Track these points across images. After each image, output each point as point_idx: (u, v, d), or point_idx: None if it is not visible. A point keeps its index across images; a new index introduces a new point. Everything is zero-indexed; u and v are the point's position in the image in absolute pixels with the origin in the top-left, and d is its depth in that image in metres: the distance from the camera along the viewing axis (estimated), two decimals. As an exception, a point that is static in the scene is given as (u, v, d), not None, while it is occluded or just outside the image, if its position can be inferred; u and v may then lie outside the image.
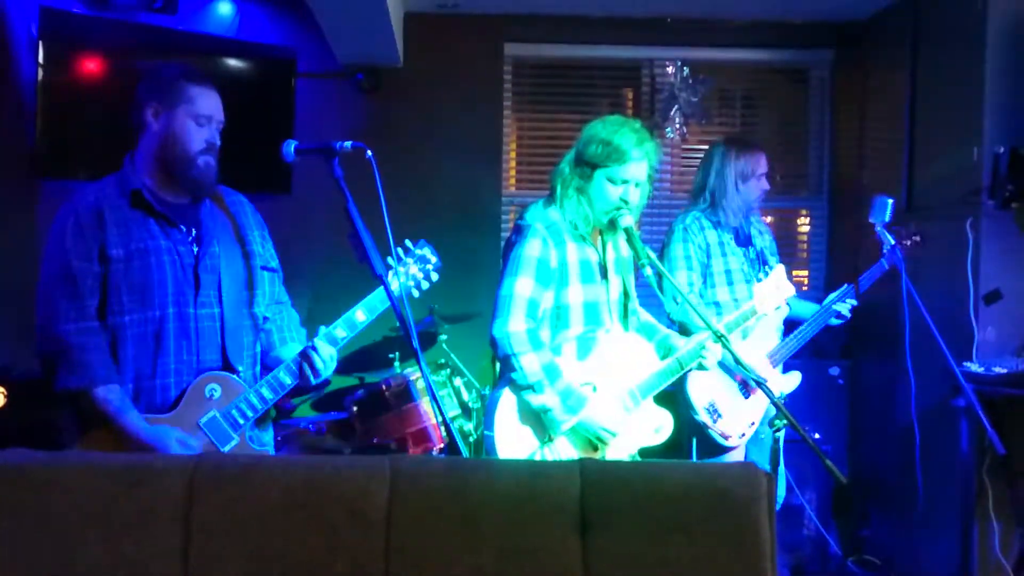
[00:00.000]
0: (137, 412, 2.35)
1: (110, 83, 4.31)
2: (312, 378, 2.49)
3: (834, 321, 3.74)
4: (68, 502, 1.79)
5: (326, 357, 2.50)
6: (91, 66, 4.32)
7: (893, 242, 3.57)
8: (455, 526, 1.79)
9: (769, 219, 4.11)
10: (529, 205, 2.97)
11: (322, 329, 2.54)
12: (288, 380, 2.50)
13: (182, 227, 2.47)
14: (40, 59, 4.16)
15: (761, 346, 3.59)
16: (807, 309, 3.84)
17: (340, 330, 2.54)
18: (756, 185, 3.76)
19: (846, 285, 3.71)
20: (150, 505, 1.79)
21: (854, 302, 3.69)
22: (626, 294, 3.02)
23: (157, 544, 1.77)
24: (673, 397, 3.37)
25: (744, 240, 3.81)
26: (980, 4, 3.78)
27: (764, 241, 3.87)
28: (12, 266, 4.00)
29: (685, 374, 3.45)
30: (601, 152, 2.82)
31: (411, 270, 2.65)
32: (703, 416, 3.51)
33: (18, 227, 4.19)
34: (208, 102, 2.47)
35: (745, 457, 3.71)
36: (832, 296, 3.72)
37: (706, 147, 5.11)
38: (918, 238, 3.69)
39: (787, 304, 3.64)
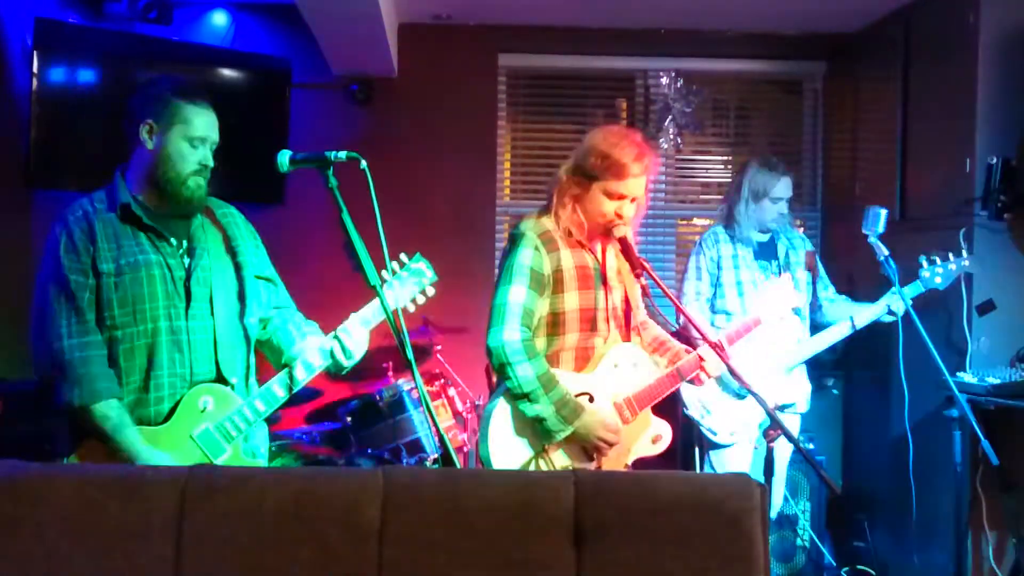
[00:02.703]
0: (135, 429, 2.34)
1: (105, 93, 4.32)
2: (343, 361, 2.50)
3: (887, 318, 3.69)
4: (60, 513, 1.78)
5: (357, 339, 2.50)
6: (85, 76, 4.32)
7: (887, 252, 3.57)
8: (449, 538, 1.78)
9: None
10: (524, 215, 2.94)
11: (353, 315, 2.56)
12: (282, 392, 2.49)
13: (172, 240, 2.47)
14: (34, 69, 4.16)
15: (763, 353, 3.60)
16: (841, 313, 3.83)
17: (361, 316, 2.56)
18: (771, 207, 3.76)
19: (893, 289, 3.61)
20: (142, 517, 1.78)
21: (908, 300, 3.54)
22: (628, 303, 2.96)
23: (149, 556, 1.76)
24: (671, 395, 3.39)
25: (766, 254, 3.84)
26: (971, 17, 3.80)
27: (797, 256, 3.88)
28: (5, 277, 3.98)
29: None
30: (600, 165, 2.74)
31: (407, 285, 2.62)
32: (692, 411, 3.68)
33: (11, 237, 4.18)
34: (203, 123, 2.44)
35: (751, 467, 3.72)
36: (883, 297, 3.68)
37: (700, 157, 5.19)
38: None
39: (797, 314, 3.65)
